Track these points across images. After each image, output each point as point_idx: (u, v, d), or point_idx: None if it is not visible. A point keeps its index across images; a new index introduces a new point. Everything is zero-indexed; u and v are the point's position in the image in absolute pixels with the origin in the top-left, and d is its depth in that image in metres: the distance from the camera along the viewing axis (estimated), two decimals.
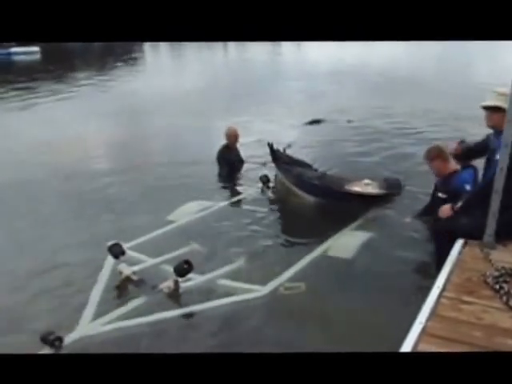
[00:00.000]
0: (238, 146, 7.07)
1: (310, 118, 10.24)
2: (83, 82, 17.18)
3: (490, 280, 2.94)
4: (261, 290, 3.77)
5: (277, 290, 3.80)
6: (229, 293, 3.76)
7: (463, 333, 2.48)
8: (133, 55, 26.89)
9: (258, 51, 30.13)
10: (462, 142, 4.89)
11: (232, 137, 6.85)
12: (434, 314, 2.63)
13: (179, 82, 17.44)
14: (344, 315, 3.55)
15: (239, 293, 3.75)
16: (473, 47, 20.70)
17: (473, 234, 3.47)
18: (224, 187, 6.50)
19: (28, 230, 5.11)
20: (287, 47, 33.18)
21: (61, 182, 6.69)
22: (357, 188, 5.70)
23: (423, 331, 2.45)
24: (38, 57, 23.45)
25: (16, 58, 22.67)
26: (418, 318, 2.55)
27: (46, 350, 3.07)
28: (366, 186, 5.82)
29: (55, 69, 20.48)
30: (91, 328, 3.35)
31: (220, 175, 6.77)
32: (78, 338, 3.25)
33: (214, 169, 6.90)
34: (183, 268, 3.78)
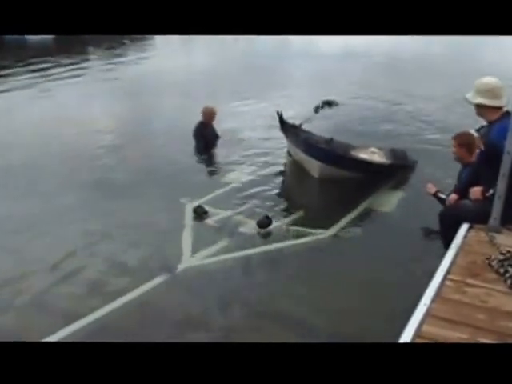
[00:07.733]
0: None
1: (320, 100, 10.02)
2: (93, 59, 17.32)
3: (494, 263, 2.97)
4: (325, 233, 4.61)
5: (338, 234, 4.64)
6: (298, 236, 4.58)
7: (467, 315, 2.49)
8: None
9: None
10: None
11: (207, 114, 7.40)
12: (438, 296, 2.65)
13: (189, 63, 17.73)
14: (394, 252, 4.35)
15: (307, 235, 4.57)
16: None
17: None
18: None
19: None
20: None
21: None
22: (363, 155, 5.99)
23: (427, 313, 2.48)
24: (50, 36, 23.72)
25: (29, 37, 22.93)
26: (423, 299, 2.58)
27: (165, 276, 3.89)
28: (372, 154, 6.11)
29: (66, 48, 20.76)
30: (193, 261, 4.16)
31: (196, 149, 7.32)
32: (185, 267, 4.05)
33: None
34: (265, 221, 4.65)
